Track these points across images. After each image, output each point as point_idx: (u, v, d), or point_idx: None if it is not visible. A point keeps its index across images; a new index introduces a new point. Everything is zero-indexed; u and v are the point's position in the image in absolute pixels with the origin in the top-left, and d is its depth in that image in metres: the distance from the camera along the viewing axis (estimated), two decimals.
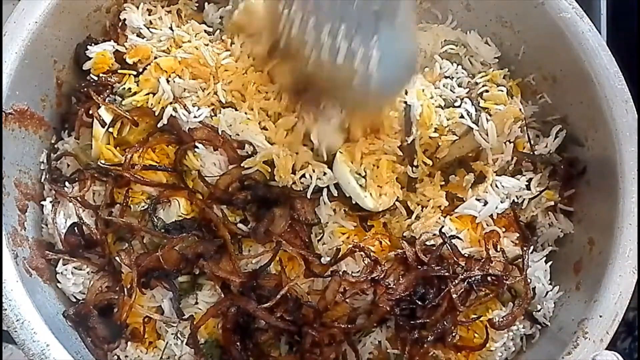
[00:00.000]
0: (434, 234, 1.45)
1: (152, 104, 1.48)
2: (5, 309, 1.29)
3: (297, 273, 1.44)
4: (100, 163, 1.47)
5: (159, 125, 1.48)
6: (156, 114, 1.48)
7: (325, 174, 1.44)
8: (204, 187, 1.46)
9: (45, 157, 1.54)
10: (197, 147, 1.46)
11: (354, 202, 1.45)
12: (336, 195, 1.45)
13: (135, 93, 1.50)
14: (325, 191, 1.44)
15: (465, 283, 1.40)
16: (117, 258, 1.46)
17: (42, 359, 1.27)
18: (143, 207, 1.48)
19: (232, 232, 1.44)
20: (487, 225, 1.51)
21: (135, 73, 1.53)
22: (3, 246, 1.34)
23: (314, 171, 1.44)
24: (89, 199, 1.50)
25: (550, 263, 1.55)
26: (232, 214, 1.47)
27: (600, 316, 1.38)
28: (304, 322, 1.41)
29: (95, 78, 1.53)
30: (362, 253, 1.42)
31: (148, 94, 1.49)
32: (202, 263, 1.42)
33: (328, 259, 1.42)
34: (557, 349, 1.39)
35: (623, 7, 2.01)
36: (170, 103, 1.47)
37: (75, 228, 1.48)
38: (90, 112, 1.49)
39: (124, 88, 1.50)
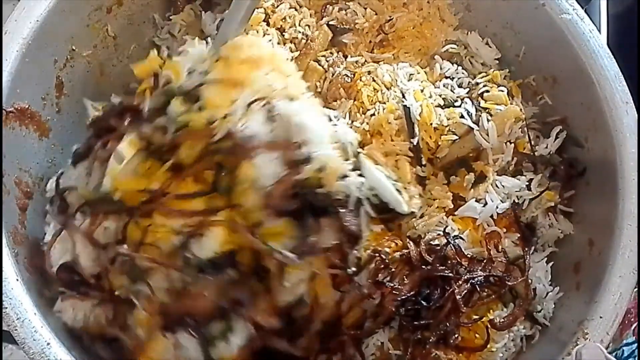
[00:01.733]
0: (438, 234, 1.46)
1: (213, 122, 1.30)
2: (6, 308, 1.28)
3: (324, 293, 1.36)
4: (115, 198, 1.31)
5: (215, 139, 1.29)
6: (215, 132, 1.29)
7: (362, 183, 1.35)
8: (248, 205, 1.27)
9: (53, 184, 1.45)
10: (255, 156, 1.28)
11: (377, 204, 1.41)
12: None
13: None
14: (366, 202, 1.36)
15: (469, 284, 1.40)
16: (134, 300, 1.29)
17: (42, 357, 1.27)
18: (174, 243, 1.27)
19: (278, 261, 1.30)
20: (488, 225, 1.51)
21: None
22: (3, 245, 1.34)
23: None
24: (98, 236, 1.32)
25: (550, 264, 1.55)
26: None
27: (601, 317, 1.38)
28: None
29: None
30: (380, 257, 1.39)
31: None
32: (241, 310, 1.29)
33: (354, 269, 1.36)
34: (557, 350, 1.39)
35: (623, 8, 2.02)
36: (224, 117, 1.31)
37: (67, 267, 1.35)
38: (108, 146, 1.34)
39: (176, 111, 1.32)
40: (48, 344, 1.28)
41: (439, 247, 1.43)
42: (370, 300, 1.39)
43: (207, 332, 1.30)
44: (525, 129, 1.60)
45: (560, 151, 1.62)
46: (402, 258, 1.42)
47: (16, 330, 1.28)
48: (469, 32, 1.75)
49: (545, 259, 1.56)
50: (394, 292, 1.37)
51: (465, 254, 1.44)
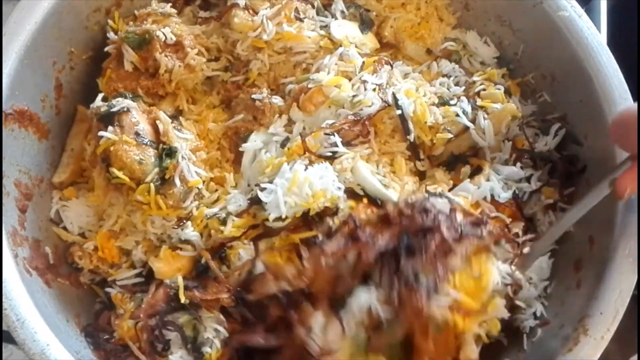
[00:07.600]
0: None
1: None
2: (6, 309, 1.29)
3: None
4: None
5: None
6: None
7: None
8: None
9: None
10: None
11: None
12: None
13: None
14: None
15: (453, 230, 1.29)
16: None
17: (42, 358, 1.27)
18: None
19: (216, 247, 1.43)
20: (490, 212, 1.48)
21: None
22: (3, 246, 1.34)
23: None
24: None
25: (551, 260, 1.54)
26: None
27: (601, 313, 1.37)
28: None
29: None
30: (353, 220, 1.34)
31: None
32: (189, 294, 1.39)
33: (321, 237, 1.37)
34: (558, 346, 1.39)
35: (623, 7, 2.02)
36: None
37: None
38: None
39: None
40: (48, 344, 1.28)
41: (418, 203, 1.33)
42: (345, 260, 1.31)
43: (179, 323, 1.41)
44: (523, 127, 1.59)
45: (560, 149, 1.61)
46: (379, 217, 1.34)
47: (16, 331, 1.28)
48: (468, 31, 1.75)
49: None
50: (371, 243, 1.28)
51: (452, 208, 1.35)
